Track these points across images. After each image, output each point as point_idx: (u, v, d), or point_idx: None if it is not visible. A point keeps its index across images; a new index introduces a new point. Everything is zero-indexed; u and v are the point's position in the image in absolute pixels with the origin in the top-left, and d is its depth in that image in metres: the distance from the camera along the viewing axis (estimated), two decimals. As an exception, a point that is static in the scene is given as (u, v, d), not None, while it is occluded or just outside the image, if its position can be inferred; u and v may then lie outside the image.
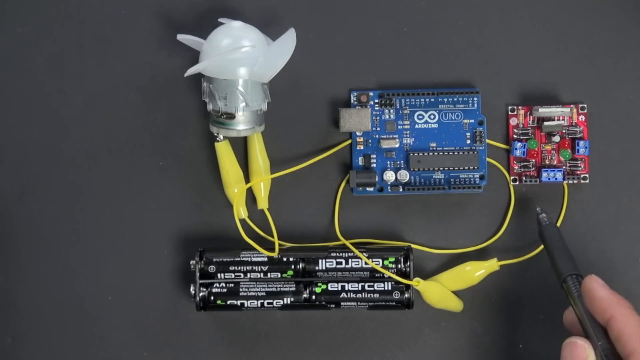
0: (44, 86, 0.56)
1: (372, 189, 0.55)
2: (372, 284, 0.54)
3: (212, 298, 0.53)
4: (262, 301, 0.53)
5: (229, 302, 0.53)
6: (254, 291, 0.53)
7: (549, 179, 0.55)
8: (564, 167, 0.55)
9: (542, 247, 0.54)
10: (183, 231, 0.56)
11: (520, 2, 0.56)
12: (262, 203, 0.55)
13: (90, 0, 0.56)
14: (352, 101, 0.56)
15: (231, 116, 0.52)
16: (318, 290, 0.54)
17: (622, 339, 0.45)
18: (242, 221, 0.55)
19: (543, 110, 0.55)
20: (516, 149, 0.55)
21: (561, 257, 0.51)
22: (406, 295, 0.54)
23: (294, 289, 0.54)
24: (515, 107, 0.56)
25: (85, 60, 0.56)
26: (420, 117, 0.56)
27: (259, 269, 0.54)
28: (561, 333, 0.54)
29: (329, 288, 0.54)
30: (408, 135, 0.56)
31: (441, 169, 0.55)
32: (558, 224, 0.55)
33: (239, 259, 0.54)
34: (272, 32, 0.54)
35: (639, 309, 0.47)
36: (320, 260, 0.54)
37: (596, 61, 0.56)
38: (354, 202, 0.56)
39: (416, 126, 0.56)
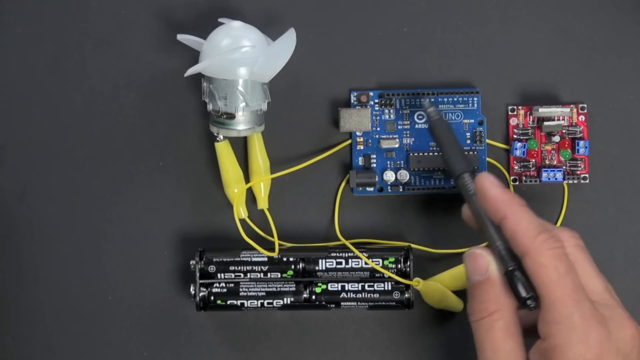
0: (44, 86, 0.56)
1: (372, 189, 0.55)
2: (372, 284, 0.54)
3: (212, 298, 0.53)
4: (262, 301, 0.53)
5: (229, 302, 0.53)
6: (254, 291, 0.53)
7: (549, 179, 0.55)
8: (564, 167, 0.55)
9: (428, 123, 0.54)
10: (183, 231, 0.56)
11: (520, 2, 0.56)
12: (262, 203, 0.55)
13: (90, 0, 0.56)
14: (352, 101, 0.56)
15: (231, 116, 0.52)
16: (318, 290, 0.54)
17: (516, 238, 0.44)
18: (242, 221, 0.55)
19: (543, 110, 0.55)
20: (516, 149, 0.55)
21: (453, 153, 0.50)
22: (406, 295, 0.54)
23: (294, 289, 0.54)
24: (515, 107, 0.56)
25: (85, 60, 0.56)
26: (420, 117, 0.56)
27: (259, 269, 0.54)
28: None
29: (329, 288, 0.54)
30: (408, 135, 0.56)
31: (441, 169, 0.55)
32: (558, 224, 0.55)
33: (239, 259, 0.54)
34: (272, 32, 0.54)
35: (638, 310, 0.47)
36: (320, 260, 0.54)
37: (596, 61, 0.56)
38: (354, 202, 0.56)
39: (416, 126, 0.56)
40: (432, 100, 0.51)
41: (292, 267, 0.54)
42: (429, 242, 0.56)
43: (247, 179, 0.55)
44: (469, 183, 0.48)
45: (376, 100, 0.56)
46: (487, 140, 0.56)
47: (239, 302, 0.53)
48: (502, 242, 0.46)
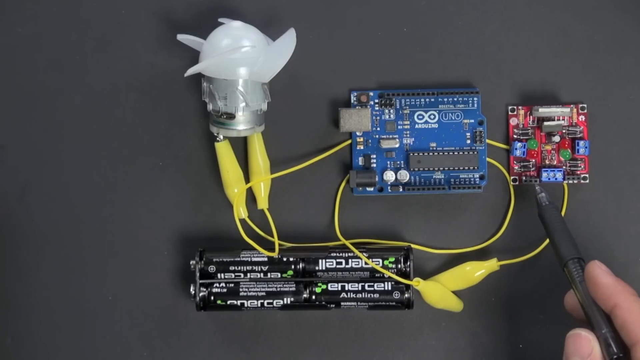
0: (44, 86, 0.56)
1: (372, 189, 0.55)
2: (372, 284, 0.54)
3: (212, 298, 0.53)
4: (262, 301, 0.53)
5: (229, 302, 0.53)
6: (254, 291, 0.53)
7: (549, 179, 0.55)
8: (564, 167, 0.55)
9: (541, 247, 0.54)
10: (183, 231, 0.56)
11: (520, 2, 0.56)
12: (262, 203, 0.55)
13: (90, 0, 0.56)
14: (352, 101, 0.56)
15: (231, 116, 0.52)
16: (318, 290, 0.54)
17: (627, 327, 0.44)
18: (242, 221, 0.55)
19: (543, 110, 0.55)
20: (516, 149, 0.55)
21: (562, 239, 0.49)
22: (406, 295, 0.54)
23: (294, 289, 0.54)
24: (515, 107, 0.56)
25: (85, 60, 0.56)
26: (420, 117, 0.56)
27: (259, 269, 0.54)
28: (561, 333, 0.54)
29: (329, 288, 0.54)
30: (408, 135, 0.56)
31: (441, 169, 0.55)
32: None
33: (239, 259, 0.54)
34: (272, 32, 0.54)
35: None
36: (320, 260, 0.54)
37: (596, 61, 0.56)
38: (354, 202, 0.56)
39: (416, 126, 0.56)
40: (541, 186, 0.52)
41: (292, 267, 0.54)
42: (429, 242, 0.56)
43: (247, 179, 0.55)
44: (577, 270, 0.48)
45: (376, 100, 0.56)
46: (487, 140, 0.56)
47: (239, 302, 0.53)
48: (609, 330, 0.46)
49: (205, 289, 0.54)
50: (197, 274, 0.53)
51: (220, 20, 0.54)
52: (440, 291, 0.54)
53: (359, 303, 0.54)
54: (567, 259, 0.49)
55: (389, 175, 0.55)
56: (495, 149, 0.56)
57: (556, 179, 0.55)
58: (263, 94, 0.53)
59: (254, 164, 0.55)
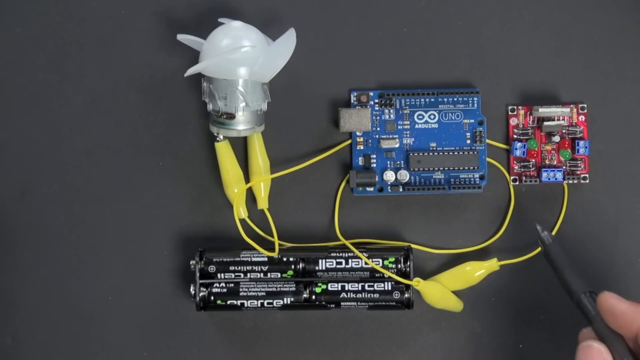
0: (44, 86, 0.56)
1: (372, 189, 0.55)
2: (372, 284, 0.54)
3: (212, 298, 0.53)
4: (262, 301, 0.53)
5: (229, 302, 0.53)
6: (254, 291, 0.53)
7: (549, 179, 0.55)
8: (564, 167, 0.55)
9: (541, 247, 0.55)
10: (183, 231, 0.56)
11: (520, 2, 0.56)
12: (262, 203, 0.55)
13: (90, 0, 0.56)
14: (352, 101, 0.56)
15: (231, 116, 0.52)
16: (318, 290, 0.54)
17: None
18: (242, 221, 0.55)
19: (543, 110, 0.55)
20: (516, 149, 0.55)
21: (571, 276, 0.49)
22: (406, 295, 0.54)
23: (294, 289, 0.54)
24: (515, 107, 0.56)
25: (85, 60, 0.56)
26: (420, 117, 0.56)
27: (259, 269, 0.54)
28: (561, 333, 0.54)
29: (329, 288, 0.54)
30: (408, 135, 0.56)
31: (441, 169, 0.55)
32: (558, 224, 0.55)
33: (239, 259, 0.54)
34: (272, 32, 0.54)
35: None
36: (320, 260, 0.54)
37: (596, 61, 0.56)
38: (354, 202, 0.56)
39: (416, 126, 0.56)
40: (542, 225, 0.51)
41: (292, 267, 0.54)
42: (429, 242, 0.56)
43: (247, 179, 0.55)
44: (590, 304, 0.47)
45: (376, 100, 0.56)
46: (487, 140, 0.56)
47: (239, 302, 0.53)
48: (632, 357, 0.45)
49: (205, 289, 0.54)
50: (197, 274, 0.53)
51: (220, 20, 0.54)
52: (440, 291, 0.54)
53: (359, 303, 0.54)
54: (579, 294, 0.48)
55: (389, 175, 0.55)
56: (495, 149, 0.56)
57: (556, 179, 0.55)
58: (263, 94, 0.53)
59: (254, 164, 0.55)
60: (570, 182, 0.55)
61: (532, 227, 0.51)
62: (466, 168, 0.55)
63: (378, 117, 0.56)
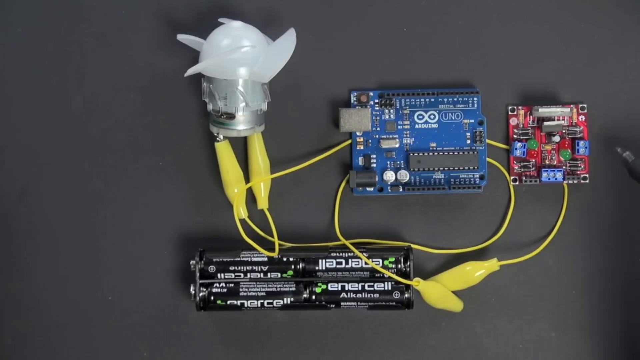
0: (44, 86, 0.56)
1: (372, 189, 0.55)
2: (372, 284, 0.54)
3: (212, 298, 0.53)
4: (262, 301, 0.53)
5: (229, 302, 0.53)
6: (254, 291, 0.53)
7: (549, 179, 0.55)
8: (564, 167, 0.55)
9: (541, 247, 0.55)
10: (183, 231, 0.56)
11: (520, 2, 0.56)
12: (262, 203, 0.55)
13: (90, 0, 0.56)
14: (352, 101, 0.56)
15: (231, 116, 0.52)
16: (318, 290, 0.54)
17: None
18: (242, 221, 0.55)
19: (543, 110, 0.55)
20: (516, 149, 0.55)
21: None
22: (406, 295, 0.54)
23: (294, 289, 0.54)
24: (515, 107, 0.56)
25: (85, 60, 0.56)
26: (420, 117, 0.56)
27: (259, 269, 0.54)
28: (561, 333, 0.54)
29: (329, 288, 0.54)
30: (408, 135, 0.56)
31: (441, 169, 0.55)
32: (558, 224, 0.55)
33: (239, 259, 0.54)
34: (272, 32, 0.54)
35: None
36: (320, 260, 0.54)
37: (596, 61, 0.56)
38: (354, 202, 0.56)
39: (416, 126, 0.56)
40: (622, 148, 0.53)
41: (292, 267, 0.54)
42: (429, 242, 0.56)
43: (247, 179, 0.55)
44: None
45: (376, 100, 0.56)
46: (487, 140, 0.56)
47: (239, 302, 0.53)
48: None
49: (205, 289, 0.54)
50: (197, 274, 0.53)
51: (220, 20, 0.54)
52: (440, 291, 0.54)
53: (359, 303, 0.54)
54: None
55: (389, 175, 0.55)
56: (495, 149, 0.56)
57: (556, 179, 0.55)
58: (263, 94, 0.53)
59: (254, 164, 0.55)
60: (570, 182, 0.55)
61: (614, 152, 0.52)
62: (466, 168, 0.55)
63: (378, 117, 0.56)
